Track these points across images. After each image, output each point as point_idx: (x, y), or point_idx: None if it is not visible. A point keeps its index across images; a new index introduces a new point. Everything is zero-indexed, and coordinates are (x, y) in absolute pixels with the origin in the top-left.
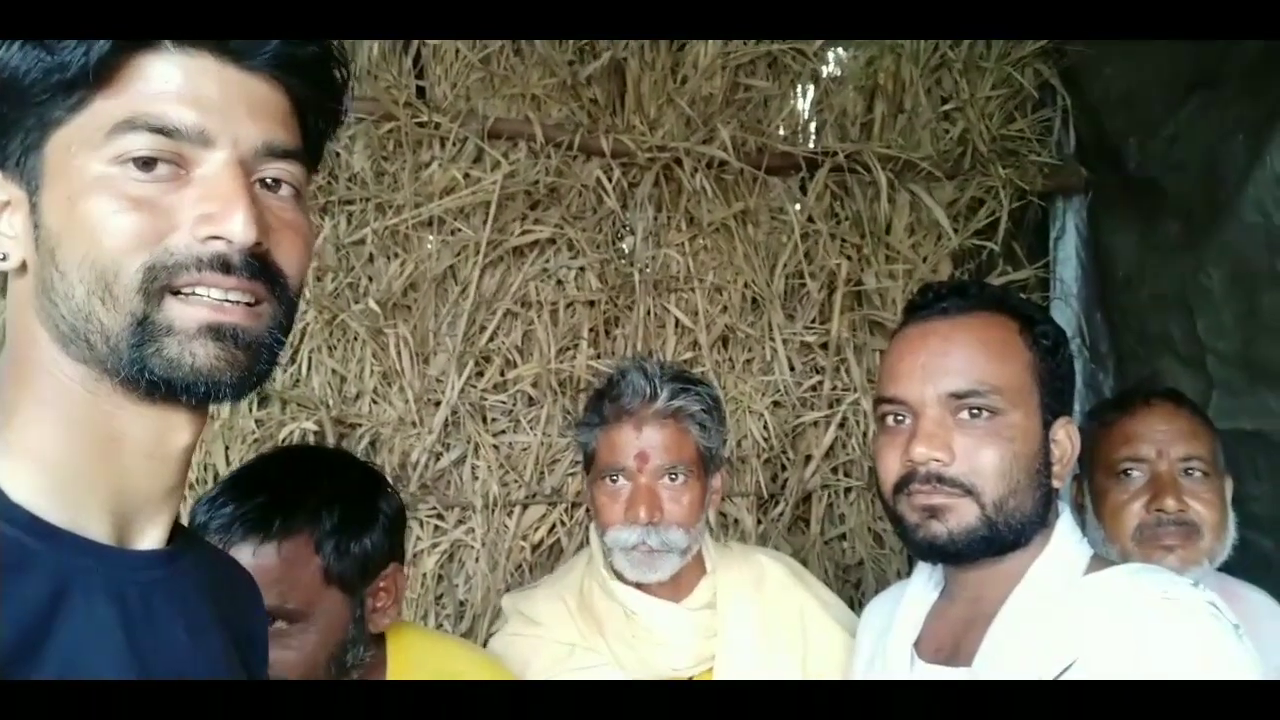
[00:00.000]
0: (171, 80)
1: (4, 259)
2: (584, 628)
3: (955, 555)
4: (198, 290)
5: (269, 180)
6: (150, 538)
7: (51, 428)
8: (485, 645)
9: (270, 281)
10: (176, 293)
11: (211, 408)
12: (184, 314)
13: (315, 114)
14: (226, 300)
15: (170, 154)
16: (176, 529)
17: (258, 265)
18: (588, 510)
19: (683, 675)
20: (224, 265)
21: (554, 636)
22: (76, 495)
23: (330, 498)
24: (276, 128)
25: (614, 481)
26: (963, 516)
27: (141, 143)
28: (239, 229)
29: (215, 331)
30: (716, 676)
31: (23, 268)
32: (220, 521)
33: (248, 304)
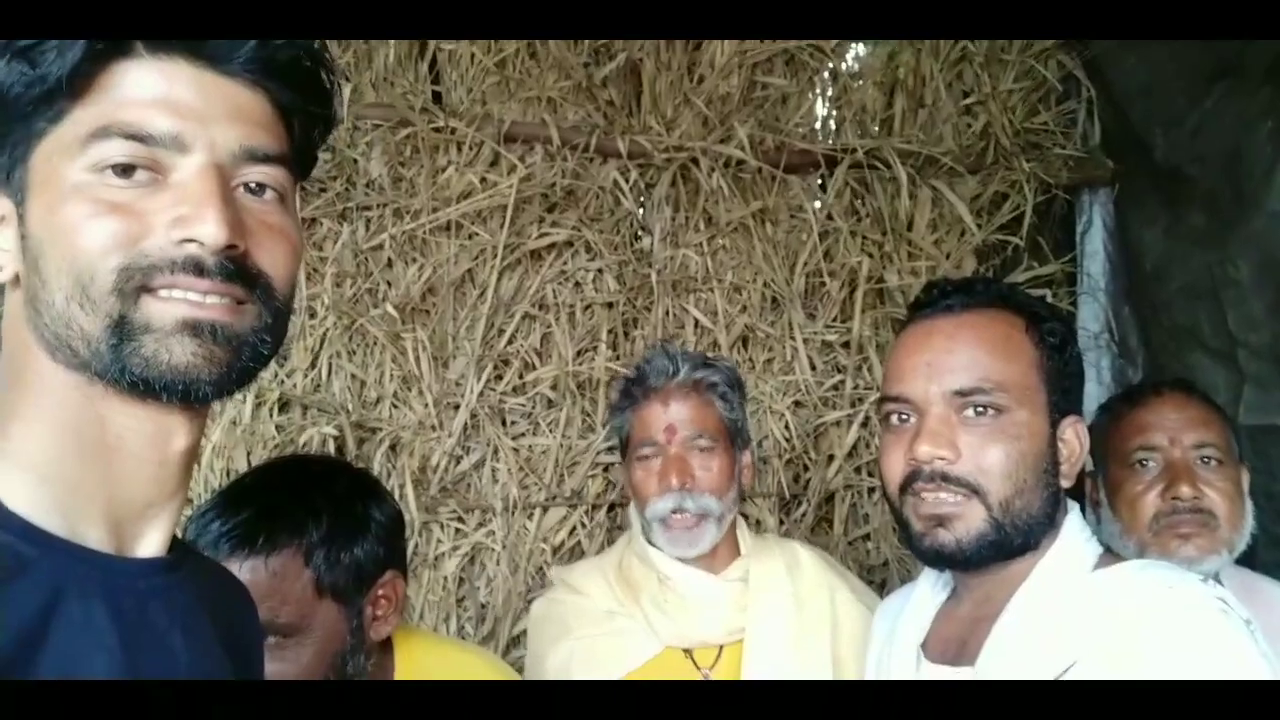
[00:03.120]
0: (146, 87)
1: None
2: (621, 596)
3: (963, 562)
4: (173, 292)
5: (252, 185)
6: (149, 545)
7: (48, 436)
8: (528, 609)
9: (248, 283)
10: (153, 294)
11: (216, 408)
12: (161, 312)
13: (301, 119)
14: (204, 301)
15: (146, 160)
16: (174, 539)
17: (233, 267)
18: (610, 512)
19: (713, 646)
20: (197, 267)
21: (593, 604)
22: (74, 503)
23: (318, 508)
24: (257, 131)
25: (647, 457)
26: (970, 523)
27: (116, 149)
28: (211, 230)
29: (193, 328)
30: (746, 649)
31: (16, 280)
32: (208, 538)
33: (228, 304)
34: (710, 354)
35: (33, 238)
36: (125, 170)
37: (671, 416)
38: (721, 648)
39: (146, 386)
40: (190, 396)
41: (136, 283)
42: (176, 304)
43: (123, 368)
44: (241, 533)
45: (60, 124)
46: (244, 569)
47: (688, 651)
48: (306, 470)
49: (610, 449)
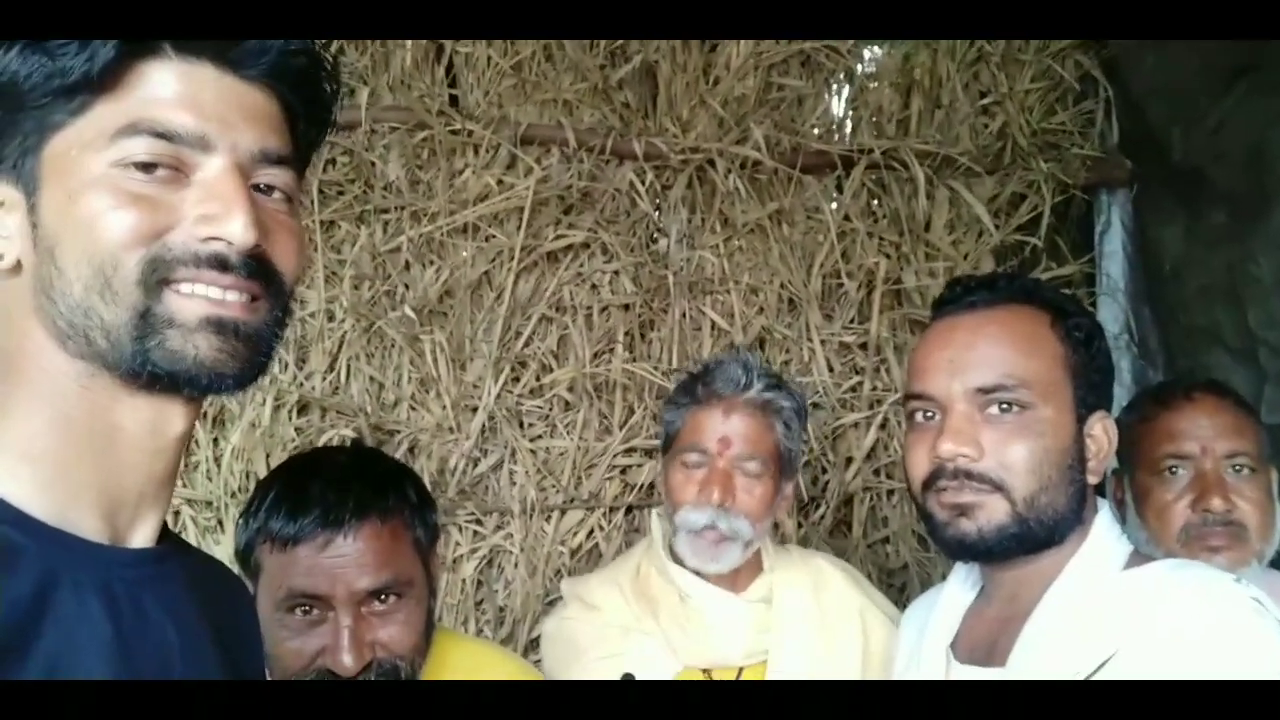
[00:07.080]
0: (172, 87)
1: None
2: (638, 611)
3: (986, 553)
4: (196, 287)
5: (263, 185)
6: (141, 535)
7: (45, 425)
8: (547, 611)
9: (266, 280)
10: (174, 288)
11: (235, 409)
12: (184, 307)
13: (306, 123)
14: (225, 297)
15: (170, 158)
16: (164, 530)
17: (255, 265)
18: (628, 514)
19: (733, 667)
20: (222, 264)
21: (608, 620)
22: (69, 491)
23: (401, 476)
24: (271, 135)
25: (693, 462)
26: (993, 514)
27: (143, 147)
28: (239, 230)
29: (216, 325)
30: (770, 672)
31: (17, 267)
32: (314, 517)
33: (245, 300)
34: (785, 375)
35: (47, 227)
36: (148, 167)
37: (730, 429)
38: (741, 669)
39: (170, 379)
40: (212, 390)
41: (160, 275)
42: (199, 300)
43: (146, 360)
44: (363, 502)
45: (81, 117)
46: (368, 536)
47: (706, 672)
48: (359, 450)
49: (628, 451)
